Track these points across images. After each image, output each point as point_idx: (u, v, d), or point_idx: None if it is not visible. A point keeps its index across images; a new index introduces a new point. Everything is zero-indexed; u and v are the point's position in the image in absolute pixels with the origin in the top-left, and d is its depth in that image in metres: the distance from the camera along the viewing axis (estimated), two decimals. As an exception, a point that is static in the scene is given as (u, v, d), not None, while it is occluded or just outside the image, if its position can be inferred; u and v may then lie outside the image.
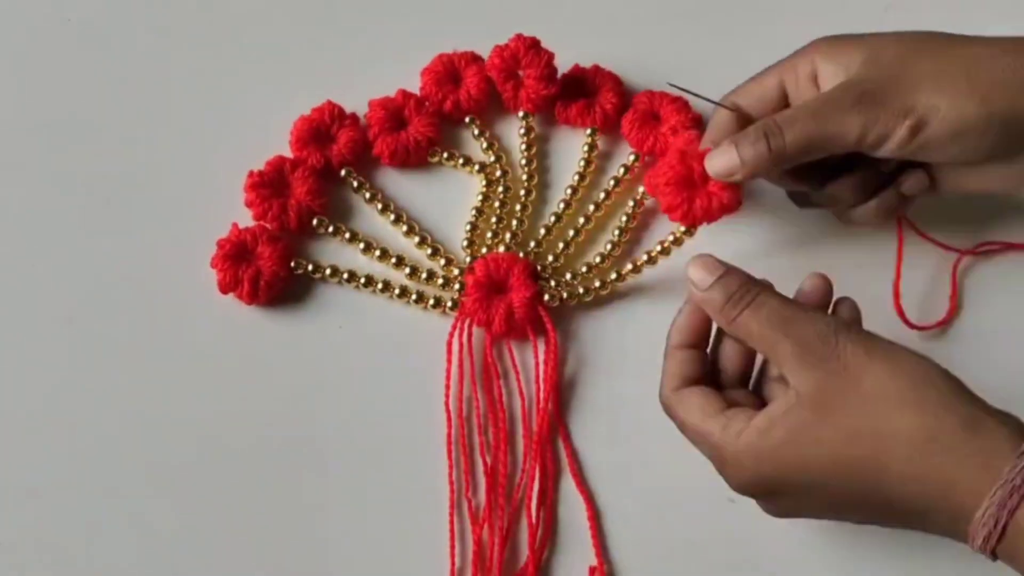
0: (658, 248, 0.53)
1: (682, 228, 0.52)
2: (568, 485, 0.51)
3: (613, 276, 0.53)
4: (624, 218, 0.54)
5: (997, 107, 0.45)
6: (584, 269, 0.54)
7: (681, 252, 0.52)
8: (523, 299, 0.52)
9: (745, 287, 0.43)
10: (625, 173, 0.56)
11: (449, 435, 0.51)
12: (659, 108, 0.56)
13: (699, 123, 0.55)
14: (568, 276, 0.53)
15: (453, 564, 0.49)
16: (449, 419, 0.51)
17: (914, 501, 0.40)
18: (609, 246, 0.54)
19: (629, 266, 0.53)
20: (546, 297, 0.52)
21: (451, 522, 0.50)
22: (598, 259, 0.54)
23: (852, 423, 0.40)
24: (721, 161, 0.48)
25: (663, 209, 0.51)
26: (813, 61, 0.48)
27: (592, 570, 0.50)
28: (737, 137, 0.48)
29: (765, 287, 0.43)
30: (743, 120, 0.50)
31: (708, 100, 0.51)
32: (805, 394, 0.41)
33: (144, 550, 0.50)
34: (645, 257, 0.53)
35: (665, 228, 0.54)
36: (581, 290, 0.53)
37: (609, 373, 0.52)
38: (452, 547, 0.49)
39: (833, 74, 0.47)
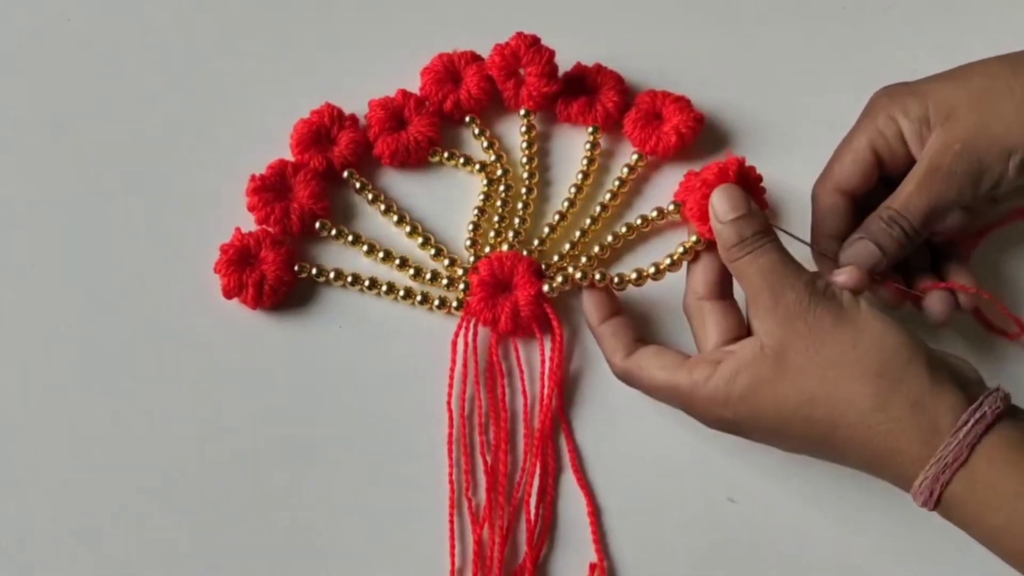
0: (668, 261, 0.52)
1: (693, 238, 0.50)
2: (569, 482, 0.53)
3: (617, 280, 0.52)
4: (639, 220, 0.56)
5: None
6: (584, 260, 0.55)
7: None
8: (528, 297, 0.53)
9: (756, 235, 0.47)
10: (629, 173, 0.58)
11: (450, 435, 0.53)
12: (661, 107, 0.58)
13: (702, 123, 0.57)
14: (571, 270, 0.54)
15: (453, 564, 0.51)
16: (451, 419, 0.53)
17: (860, 459, 0.45)
18: (611, 238, 0.55)
19: (634, 275, 0.52)
20: (545, 288, 0.54)
21: (451, 522, 0.51)
22: (598, 249, 0.55)
23: (809, 385, 0.45)
24: (860, 255, 0.50)
25: (689, 215, 0.50)
26: (895, 120, 0.51)
27: (592, 567, 0.52)
28: (864, 231, 0.50)
29: (773, 238, 0.47)
30: (847, 200, 0.52)
31: (805, 242, 0.52)
32: (768, 347, 0.45)
33: (147, 553, 0.52)
34: (653, 269, 0.52)
35: (668, 229, 0.56)
36: (580, 274, 0.52)
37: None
38: (452, 547, 0.51)
39: (916, 132, 0.50)
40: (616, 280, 0.52)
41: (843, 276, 0.47)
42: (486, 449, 0.53)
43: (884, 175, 0.52)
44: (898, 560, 0.52)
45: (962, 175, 0.49)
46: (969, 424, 0.43)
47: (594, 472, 0.53)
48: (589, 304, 0.52)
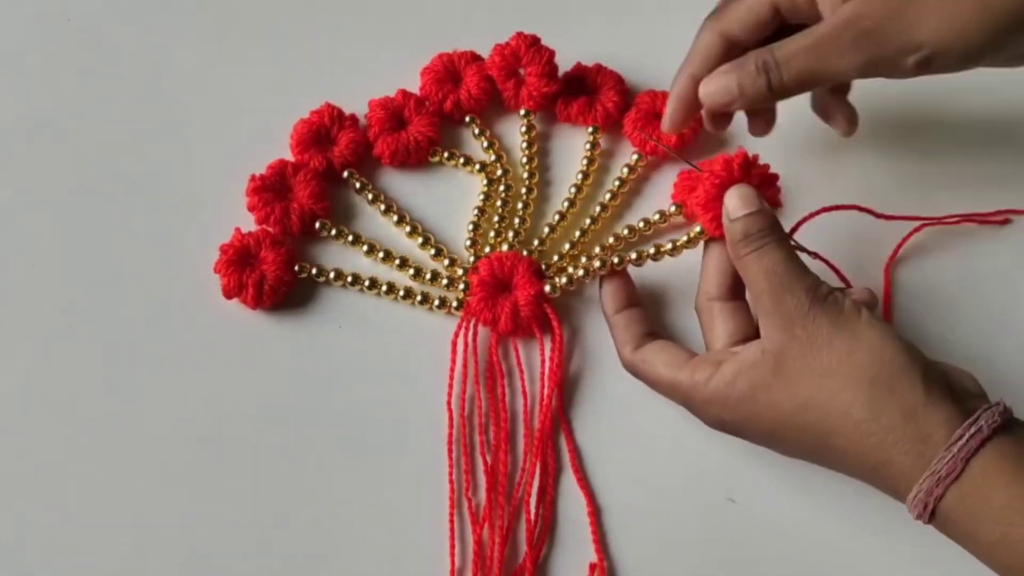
0: (669, 246, 0.53)
1: (697, 229, 0.51)
2: (569, 482, 0.53)
3: (616, 259, 0.53)
4: (641, 223, 0.56)
5: (999, 14, 0.46)
6: (584, 259, 0.56)
7: (694, 251, 0.53)
8: (528, 296, 0.54)
9: (763, 232, 0.47)
10: (629, 173, 0.58)
11: (450, 435, 0.53)
12: (661, 108, 0.58)
13: (702, 123, 0.56)
14: (572, 269, 0.55)
15: (453, 564, 0.51)
16: (451, 419, 0.53)
17: (855, 469, 0.45)
18: (612, 239, 0.56)
19: (634, 255, 0.53)
20: (547, 289, 0.54)
21: (451, 522, 0.52)
22: (598, 250, 0.56)
23: (804, 392, 0.45)
24: (719, 90, 0.49)
25: (695, 203, 0.51)
26: None
27: (592, 566, 0.52)
28: (735, 67, 0.49)
29: (780, 238, 0.47)
30: (728, 45, 0.50)
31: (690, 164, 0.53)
32: (769, 352, 0.46)
33: (147, 552, 0.52)
34: (653, 250, 0.53)
35: (669, 231, 0.57)
36: (581, 271, 0.54)
37: (614, 370, 0.53)
38: (452, 547, 0.51)
39: None
40: (616, 261, 0.53)
41: (857, 294, 0.48)
42: (486, 449, 0.53)
43: (782, 27, 0.50)
44: (898, 561, 0.52)
45: (856, 54, 0.46)
46: (964, 438, 0.42)
47: (594, 472, 0.54)
48: (606, 293, 0.53)
